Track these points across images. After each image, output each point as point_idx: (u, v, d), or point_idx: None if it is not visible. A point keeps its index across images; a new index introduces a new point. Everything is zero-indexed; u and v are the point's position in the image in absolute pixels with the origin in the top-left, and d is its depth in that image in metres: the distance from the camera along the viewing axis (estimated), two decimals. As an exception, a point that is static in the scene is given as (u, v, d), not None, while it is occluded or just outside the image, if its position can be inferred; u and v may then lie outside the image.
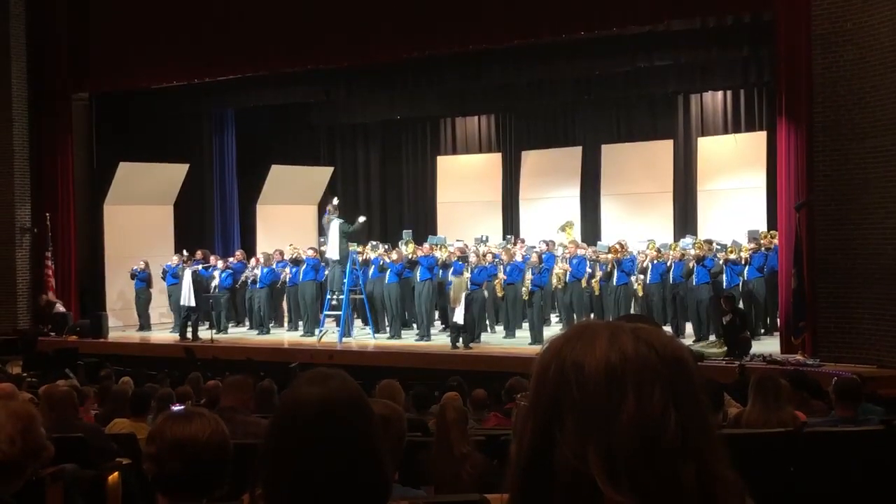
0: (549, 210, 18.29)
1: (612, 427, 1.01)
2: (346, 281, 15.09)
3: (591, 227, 18.13)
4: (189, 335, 15.65)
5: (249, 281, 16.46)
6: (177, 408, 6.11)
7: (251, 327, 16.59)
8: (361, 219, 15.72)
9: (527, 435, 1.07)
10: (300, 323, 16.00)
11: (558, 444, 1.03)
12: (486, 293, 14.62)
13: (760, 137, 16.57)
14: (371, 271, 15.58)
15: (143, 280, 16.78)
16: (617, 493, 1.00)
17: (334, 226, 15.20)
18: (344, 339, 15.00)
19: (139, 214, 17.78)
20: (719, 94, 17.64)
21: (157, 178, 18.00)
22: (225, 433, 2.35)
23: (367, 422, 1.65)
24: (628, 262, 14.11)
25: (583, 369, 1.04)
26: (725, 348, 12.05)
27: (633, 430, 1.00)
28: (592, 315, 14.07)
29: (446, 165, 20.55)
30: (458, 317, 13.59)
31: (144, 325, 17.02)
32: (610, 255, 14.14)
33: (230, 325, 17.00)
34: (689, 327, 13.87)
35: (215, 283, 16.40)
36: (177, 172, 18.28)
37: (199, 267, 16.26)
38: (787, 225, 12.13)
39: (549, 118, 19.55)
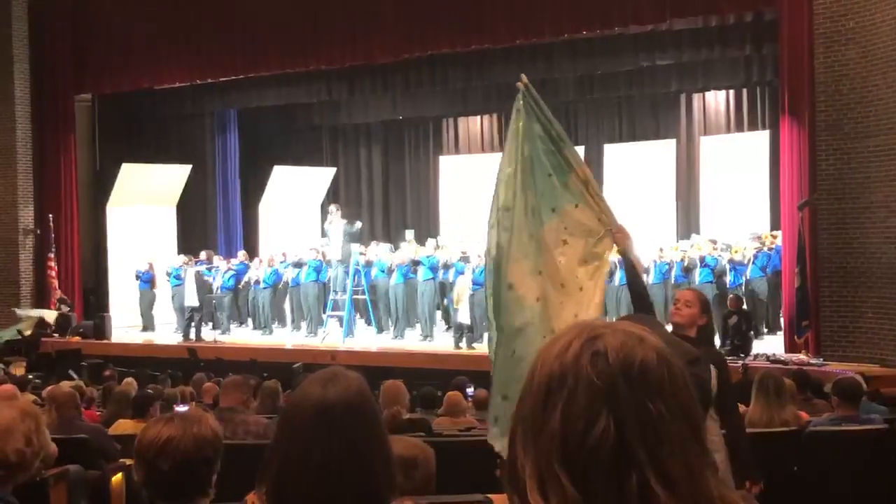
0: (552, 210, 18.22)
1: (543, 438, 0.96)
2: (348, 281, 15.09)
3: (593, 227, 18.06)
4: (193, 336, 15.67)
5: (252, 282, 16.47)
6: (180, 409, 6.12)
7: (254, 328, 16.61)
8: (358, 224, 15.69)
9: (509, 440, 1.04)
10: (303, 324, 16.01)
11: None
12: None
13: (763, 136, 16.54)
14: (374, 271, 15.59)
15: (146, 281, 16.76)
16: None
17: (337, 226, 15.20)
18: (347, 340, 15.00)
19: (142, 215, 17.79)
20: (722, 93, 17.58)
21: (159, 179, 18.00)
22: (200, 436, 2.30)
23: (366, 425, 1.64)
24: (630, 262, 14.05)
25: (533, 378, 1.01)
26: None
27: (556, 442, 0.96)
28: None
29: (449, 165, 20.53)
30: (462, 316, 13.58)
31: (148, 326, 17.02)
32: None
33: (233, 325, 17.01)
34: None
35: (217, 283, 16.40)
36: (179, 173, 18.28)
37: (203, 268, 16.27)
38: (789, 224, 12.12)
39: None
